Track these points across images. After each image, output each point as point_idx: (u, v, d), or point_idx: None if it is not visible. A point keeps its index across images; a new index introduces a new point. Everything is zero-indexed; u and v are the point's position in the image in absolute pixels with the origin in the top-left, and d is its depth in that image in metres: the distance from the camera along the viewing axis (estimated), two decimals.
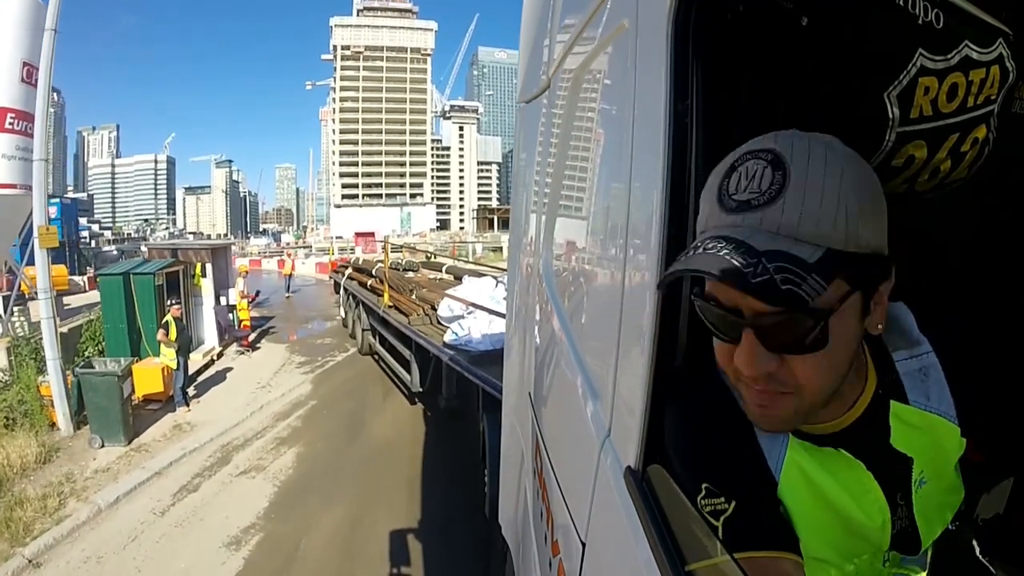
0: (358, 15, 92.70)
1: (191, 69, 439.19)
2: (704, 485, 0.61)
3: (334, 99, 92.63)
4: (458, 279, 8.43)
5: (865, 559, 0.70)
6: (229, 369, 9.57)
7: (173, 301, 7.44)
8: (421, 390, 6.81)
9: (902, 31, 0.71)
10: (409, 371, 6.91)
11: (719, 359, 0.61)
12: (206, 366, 9.46)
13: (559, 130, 1.41)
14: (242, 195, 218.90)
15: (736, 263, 0.51)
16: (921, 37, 0.72)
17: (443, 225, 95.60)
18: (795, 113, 0.72)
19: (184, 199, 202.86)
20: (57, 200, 18.74)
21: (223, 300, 11.17)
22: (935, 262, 0.91)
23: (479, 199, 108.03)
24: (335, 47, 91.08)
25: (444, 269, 10.11)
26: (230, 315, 11.47)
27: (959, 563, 0.86)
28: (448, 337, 5.39)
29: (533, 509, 1.41)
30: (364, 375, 9.15)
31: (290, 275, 19.81)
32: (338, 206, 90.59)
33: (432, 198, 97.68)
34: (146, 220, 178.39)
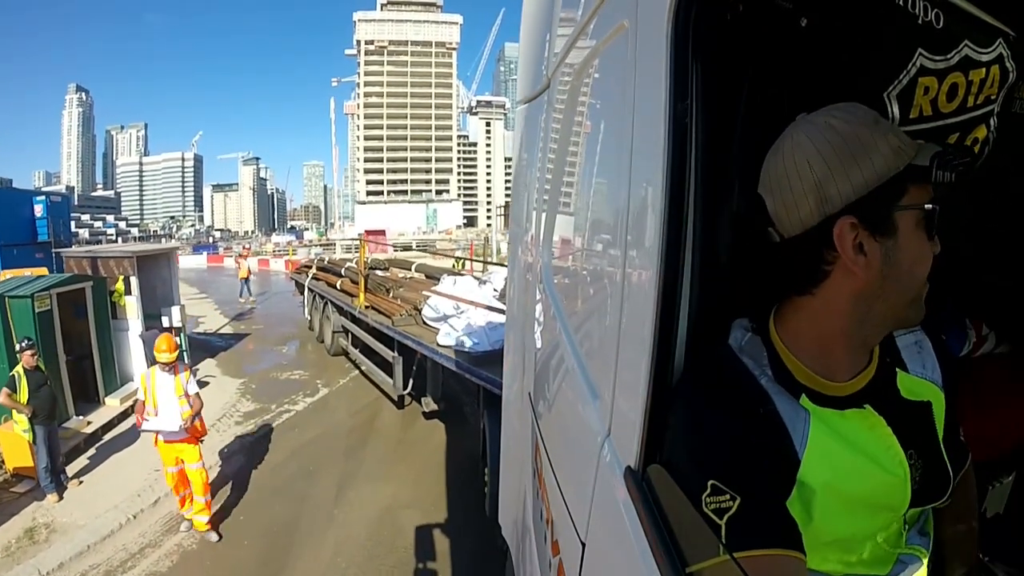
0: (382, 9, 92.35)
1: (219, 67, 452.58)
2: (710, 482, 0.61)
3: (358, 95, 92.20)
4: (430, 278, 8.20)
5: (881, 538, 0.74)
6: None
7: (24, 343, 4.97)
8: (404, 392, 6.67)
9: (902, 31, 0.71)
10: (391, 374, 6.65)
11: (924, 268, 0.67)
12: (125, 413, 6.94)
13: (559, 130, 1.41)
14: (270, 192, 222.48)
15: None
16: (921, 37, 0.72)
17: (470, 222, 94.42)
18: (795, 113, 0.72)
19: (212, 196, 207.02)
20: (43, 198, 18.32)
21: (166, 321, 8.56)
22: (935, 261, 0.91)
23: (506, 195, 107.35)
24: (359, 42, 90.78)
25: (413, 268, 9.68)
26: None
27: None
28: (442, 338, 5.35)
29: (533, 509, 1.41)
30: (322, 442, 6.43)
31: (246, 278, 17.54)
32: (362, 203, 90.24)
33: (458, 194, 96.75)
34: (172, 217, 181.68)
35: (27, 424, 4.78)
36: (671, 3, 0.64)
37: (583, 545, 0.86)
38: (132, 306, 7.89)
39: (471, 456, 5.40)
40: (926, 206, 0.64)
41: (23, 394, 4.75)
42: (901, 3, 0.69)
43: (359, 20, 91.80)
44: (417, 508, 4.82)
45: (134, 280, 7.93)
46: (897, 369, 0.76)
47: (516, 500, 1.89)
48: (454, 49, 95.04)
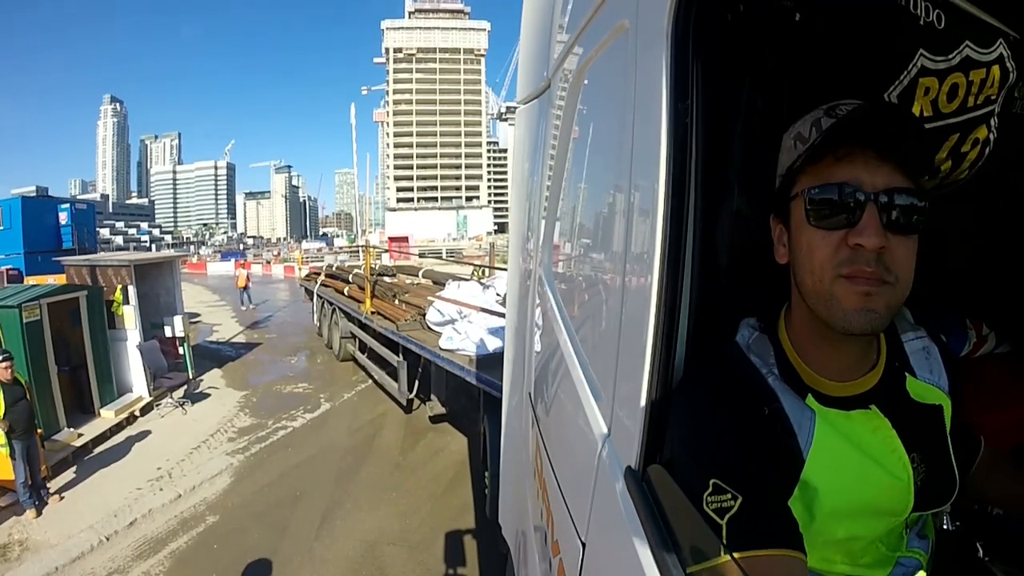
0: (409, 17, 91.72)
1: (252, 79, 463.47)
2: (712, 481, 0.61)
3: (387, 102, 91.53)
4: (437, 283, 8.29)
5: (881, 541, 0.74)
6: (144, 435, 6.76)
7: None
8: (411, 396, 6.75)
9: (903, 31, 0.71)
10: (396, 378, 6.79)
11: (819, 262, 0.64)
12: (120, 426, 6.91)
13: (559, 131, 1.41)
14: (302, 200, 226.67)
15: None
16: (922, 37, 0.72)
17: (501, 228, 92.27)
18: (795, 113, 0.72)
19: (244, 204, 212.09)
20: (67, 206, 18.30)
21: (168, 331, 8.48)
22: (935, 261, 0.91)
23: None
24: (387, 50, 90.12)
25: (420, 274, 9.77)
26: (181, 349, 8.70)
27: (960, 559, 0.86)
28: (444, 342, 5.37)
29: (533, 509, 1.40)
30: (315, 463, 6.09)
31: (245, 287, 17.83)
32: (392, 209, 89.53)
33: (489, 201, 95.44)
34: (205, 224, 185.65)
35: (4, 439, 4.75)
36: (671, 3, 0.64)
37: (583, 545, 0.86)
38: (130, 316, 7.77)
39: (472, 483, 5.27)
40: (810, 190, 0.65)
41: None
42: (902, 3, 0.69)
43: (387, 28, 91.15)
44: (403, 546, 4.45)
45: (132, 289, 7.79)
46: (906, 374, 0.76)
47: (516, 501, 1.89)
48: (482, 55, 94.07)
